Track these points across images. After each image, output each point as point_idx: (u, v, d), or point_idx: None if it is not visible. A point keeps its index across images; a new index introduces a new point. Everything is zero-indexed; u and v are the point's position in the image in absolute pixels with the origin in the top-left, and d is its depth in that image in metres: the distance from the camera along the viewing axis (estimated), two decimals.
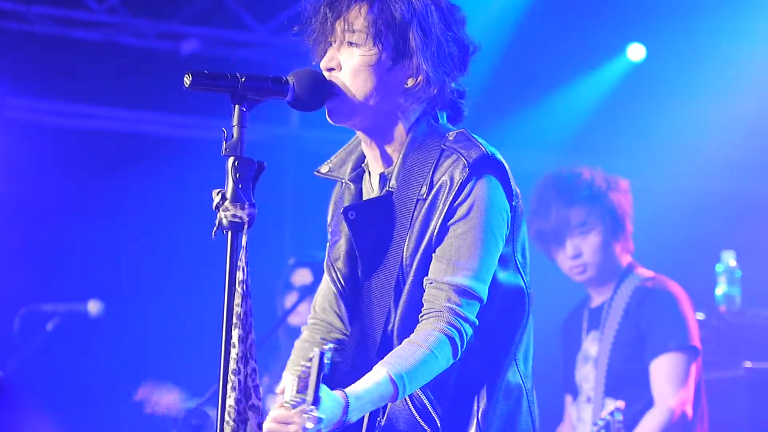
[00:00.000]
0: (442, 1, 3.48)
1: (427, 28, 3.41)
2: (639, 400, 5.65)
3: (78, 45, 8.22)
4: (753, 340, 6.65)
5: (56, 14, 8.09)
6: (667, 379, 5.60)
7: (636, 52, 8.64)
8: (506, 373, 3.47)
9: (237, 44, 8.52)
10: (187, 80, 3.15)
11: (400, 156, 3.48)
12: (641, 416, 5.62)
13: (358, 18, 3.42)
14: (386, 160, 3.54)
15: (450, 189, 3.36)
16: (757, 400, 6.36)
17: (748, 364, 6.37)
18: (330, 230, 3.66)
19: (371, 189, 3.57)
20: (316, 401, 3.03)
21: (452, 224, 3.37)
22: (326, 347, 3.06)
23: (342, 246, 3.56)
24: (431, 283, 3.36)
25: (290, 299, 7.39)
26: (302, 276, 7.48)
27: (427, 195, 3.39)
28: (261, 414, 3.07)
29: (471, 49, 3.51)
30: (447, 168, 3.39)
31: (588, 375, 5.87)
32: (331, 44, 3.47)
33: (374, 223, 3.46)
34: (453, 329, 3.31)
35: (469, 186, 3.37)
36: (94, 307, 7.11)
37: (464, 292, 3.34)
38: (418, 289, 3.39)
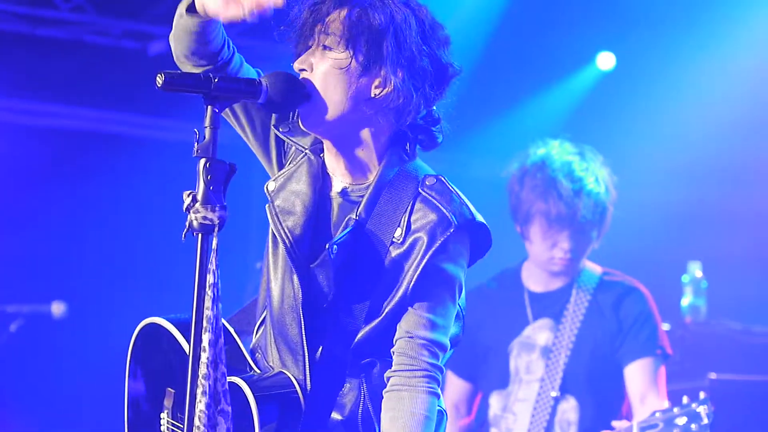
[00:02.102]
0: (427, 17, 3.47)
1: (402, 39, 3.40)
2: (597, 400, 5.50)
3: (44, 43, 8.16)
4: (718, 351, 6.68)
5: (21, 12, 8.02)
6: (653, 383, 5.43)
7: (606, 60, 8.66)
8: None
9: None
10: (159, 80, 3.11)
11: (371, 186, 3.49)
12: (597, 418, 5.44)
13: (335, 22, 3.42)
14: (353, 174, 3.53)
15: (430, 246, 3.41)
16: (721, 411, 6.35)
17: (712, 375, 6.38)
18: (276, 187, 3.61)
19: (329, 188, 3.56)
20: None
21: (431, 282, 3.44)
22: None
23: (298, 222, 3.53)
24: (411, 337, 3.44)
25: None
26: None
27: (403, 241, 3.43)
28: (230, 419, 3.05)
29: (450, 70, 3.50)
30: (426, 219, 3.43)
31: (531, 365, 5.59)
32: (309, 47, 3.47)
33: (349, 256, 3.47)
34: (437, 384, 3.48)
35: (451, 247, 3.44)
36: (57, 308, 7.07)
37: (440, 346, 3.48)
38: (383, 327, 3.47)
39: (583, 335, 5.54)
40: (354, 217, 3.48)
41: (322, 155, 3.58)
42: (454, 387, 5.81)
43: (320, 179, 3.56)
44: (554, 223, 5.50)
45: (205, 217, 3.03)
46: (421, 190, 3.45)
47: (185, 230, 3.06)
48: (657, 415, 5.07)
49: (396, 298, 3.43)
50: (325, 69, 3.42)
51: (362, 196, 3.49)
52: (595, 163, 5.66)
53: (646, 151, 8.50)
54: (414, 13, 3.45)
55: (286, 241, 3.52)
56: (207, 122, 3.11)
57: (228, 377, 3.19)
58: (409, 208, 3.44)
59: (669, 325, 6.62)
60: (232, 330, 3.69)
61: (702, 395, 5.09)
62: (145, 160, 8.33)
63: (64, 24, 8.17)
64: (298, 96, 3.36)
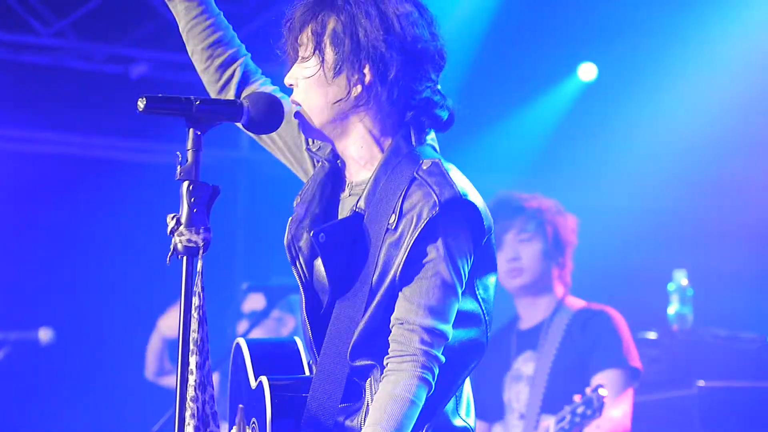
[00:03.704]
0: (390, 5, 3.47)
1: (363, 35, 3.42)
2: None
3: (25, 69, 8.16)
4: (705, 359, 6.68)
5: (2, 38, 8.02)
6: (613, 393, 5.73)
7: (587, 71, 8.68)
8: (453, 393, 3.50)
9: (186, 67, 8.45)
10: (140, 104, 3.11)
11: (372, 176, 3.49)
12: None
13: (305, 33, 3.49)
14: (359, 170, 3.55)
15: (416, 226, 3.35)
16: (709, 419, 6.38)
17: (700, 383, 6.39)
18: (298, 201, 3.63)
19: (341, 190, 3.59)
20: None
21: (421, 266, 3.37)
22: None
23: (304, 243, 3.54)
24: (401, 323, 3.36)
25: (242, 325, 7.36)
26: (255, 301, 7.45)
27: (396, 226, 3.38)
28: None
29: (429, 51, 3.49)
30: (417, 201, 3.38)
31: (519, 393, 6.00)
32: (293, 63, 3.55)
33: (343, 246, 3.45)
34: (428, 371, 3.34)
35: (440, 228, 3.36)
36: (44, 334, 7.04)
37: (434, 333, 3.35)
38: (377, 321, 3.40)
39: (559, 359, 5.94)
40: (353, 208, 3.49)
41: (339, 161, 3.61)
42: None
43: (329, 184, 3.58)
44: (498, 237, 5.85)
45: (189, 240, 3.03)
46: (415, 174, 3.41)
47: (170, 253, 3.05)
48: (565, 408, 5.58)
49: (386, 284, 3.38)
50: (303, 80, 3.48)
51: (364, 189, 3.50)
52: (533, 194, 6.24)
53: (629, 160, 8.53)
54: (375, 4, 3.46)
55: (293, 249, 3.54)
56: (189, 145, 3.10)
57: (261, 377, 3.29)
58: (404, 192, 3.40)
59: (656, 333, 6.66)
60: (301, 345, 3.68)
61: (593, 385, 5.57)
62: (129, 184, 8.33)
63: (46, 49, 8.17)
64: (279, 115, 3.37)
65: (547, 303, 6.12)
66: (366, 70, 3.44)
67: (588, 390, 5.54)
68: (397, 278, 3.37)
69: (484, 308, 3.50)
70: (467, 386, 3.56)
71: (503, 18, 8.11)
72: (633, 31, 8.17)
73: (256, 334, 6.99)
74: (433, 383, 3.36)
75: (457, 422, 3.51)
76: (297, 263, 3.55)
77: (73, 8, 7.96)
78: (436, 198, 3.35)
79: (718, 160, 8.45)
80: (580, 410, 5.53)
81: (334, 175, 3.61)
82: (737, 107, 8.17)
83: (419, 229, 3.35)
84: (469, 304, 3.48)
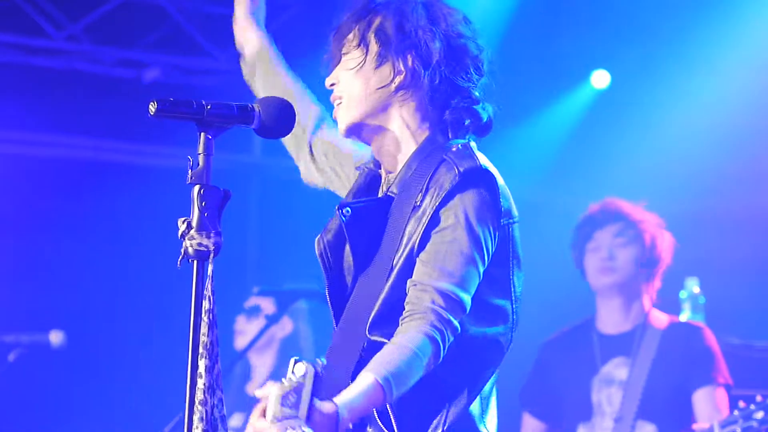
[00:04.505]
0: (435, 4, 3.58)
1: (407, 27, 3.51)
2: (671, 424, 5.93)
3: (38, 72, 8.17)
4: None
5: (15, 42, 8.04)
6: (716, 407, 5.91)
7: (600, 79, 8.67)
8: (478, 393, 3.45)
9: (198, 71, 8.50)
10: (152, 108, 3.12)
11: (405, 162, 3.54)
12: None
13: (352, 33, 3.58)
14: (396, 165, 3.59)
15: (438, 195, 3.38)
16: None
17: None
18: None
19: (377, 190, 3.64)
20: (308, 417, 3.01)
21: (438, 231, 3.38)
22: (319, 362, 3.04)
23: (335, 223, 3.57)
24: (415, 285, 3.35)
25: (240, 320, 7.39)
26: (257, 301, 7.46)
27: (421, 203, 3.42)
28: None
29: (469, 48, 3.58)
30: (440, 175, 3.42)
31: (612, 397, 6.05)
32: (336, 64, 3.63)
33: (368, 225, 3.48)
34: (436, 331, 3.29)
35: (458, 195, 3.38)
36: (56, 337, 7.04)
37: (449, 297, 3.32)
38: (396, 293, 3.38)
39: (656, 368, 6.01)
40: (388, 192, 3.54)
41: (378, 167, 3.67)
42: (532, 428, 6.32)
43: (366, 188, 3.63)
44: (587, 236, 6.24)
45: (200, 244, 3.04)
46: (444, 156, 3.46)
47: (180, 257, 3.07)
48: (735, 413, 5.59)
49: (404, 255, 3.39)
50: (345, 74, 3.57)
51: (396, 175, 3.56)
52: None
53: (642, 167, 8.50)
54: (423, 3, 3.57)
55: (319, 247, 3.57)
56: (200, 149, 3.12)
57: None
58: (431, 173, 3.44)
59: None
60: None
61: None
62: (141, 188, 8.34)
63: (58, 53, 8.19)
64: (290, 120, 3.37)
65: (636, 311, 6.19)
66: (409, 58, 3.51)
67: (759, 397, 5.59)
68: (415, 247, 3.38)
69: (515, 307, 3.50)
70: (494, 397, 3.53)
71: (515, 25, 8.10)
72: (646, 38, 8.16)
73: (264, 338, 7.02)
74: (443, 346, 3.30)
75: (488, 428, 3.49)
76: (324, 255, 3.56)
77: (86, 12, 7.98)
78: (456, 169, 3.39)
79: (732, 168, 8.43)
80: (758, 415, 5.55)
81: (373, 179, 3.66)
82: (752, 113, 8.15)
83: (440, 199, 3.38)
84: (501, 300, 3.48)
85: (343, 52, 3.59)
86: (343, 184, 3.83)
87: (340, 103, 3.58)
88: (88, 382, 8.18)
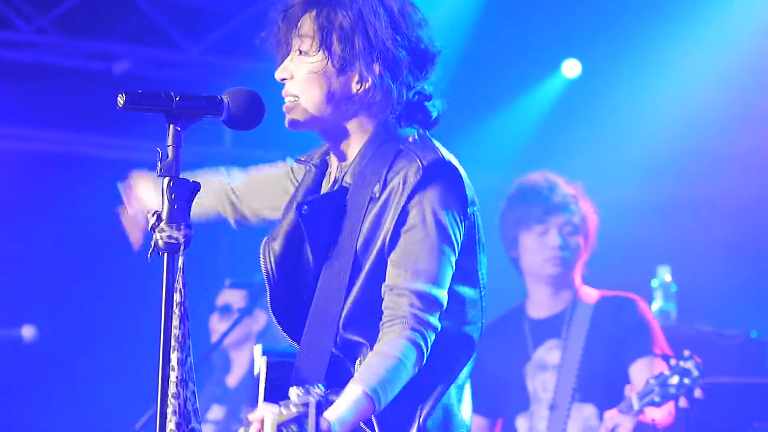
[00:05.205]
0: (396, 4, 3.49)
1: (373, 32, 3.43)
2: (610, 402, 5.73)
3: (6, 66, 8.13)
4: None
5: None
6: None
7: (571, 68, 8.69)
8: (451, 384, 3.47)
9: (169, 64, 8.47)
10: (120, 100, 3.11)
11: (357, 153, 3.50)
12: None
13: (306, 25, 3.47)
14: (350, 155, 3.55)
15: (403, 191, 3.37)
16: (693, 414, 6.38)
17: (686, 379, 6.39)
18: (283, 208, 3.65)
19: (328, 181, 3.60)
20: None
21: (407, 230, 3.37)
22: (318, 390, 3.00)
23: (283, 228, 3.54)
24: (391, 289, 3.34)
25: (214, 318, 7.39)
26: (229, 296, 7.46)
27: (380, 194, 3.40)
28: None
29: (429, 52, 3.53)
30: (401, 168, 3.40)
31: (547, 383, 5.95)
32: (287, 54, 3.52)
33: (326, 218, 3.45)
34: (418, 335, 3.30)
35: (426, 190, 3.37)
36: (27, 332, 7.03)
37: (425, 297, 3.32)
38: (368, 291, 3.38)
39: (589, 347, 5.91)
40: (342, 183, 3.49)
41: (327, 158, 3.62)
42: (474, 425, 6.02)
43: (315, 186, 3.60)
44: (536, 218, 5.99)
45: (170, 236, 3.03)
46: (402, 146, 3.45)
47: (151, 250, 3.06)
48: (651, 381, 5.47)
49: (374, 253, 3.37)
50: (302, 74, 3.47)
51: (350, 164, 3.52)
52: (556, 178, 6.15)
53: (613, 156, 8.53)
54: (382, 3, 3.48)
55: (265, 260, 3.53)
56: (170, 141, 3.11)
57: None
58: (389, 164, 3.42)
59: None
60: None
61: (686, 353, 5.47)
62: (111, 181, 8.29)
63: (28, 46, 8.14)
64: (259, 111, 3.36)
65: (568, 292, 6.07)
66: (376, 67, 3.44)
67: (673, 361, 5.48)
68: (386, 246, 3.37)
69: (482, 294, 3.51)
70: (468, 383, 3.54)
71: (486, 16, 8.11)
72: (617, 28, 8.17)
73: (236, 331, 7.01)
74: (426, 349, 3.32)
75: (464, 416, 3.50)
76: (270, 266, 3.53)
77: (55, 4, 7.94)
78: (419, 162, 3.38)
79: (702, 157, 8.46)
80: (673, 380, 5.45)
81: (321, 175, 3.62)
82: (722, 105, 8.17)
83: (405, 195, 3.36)
84: (470, 289, 3.48)
85: (296, 44, 3.49)
86: (273, 213, 3.77)
87: (295, 101, 3.48)
88: (61, 377, 8.16)
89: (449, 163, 3.43)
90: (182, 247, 3.04)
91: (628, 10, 8.14)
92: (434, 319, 3.33)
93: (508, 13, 8.18)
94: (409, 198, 3.36)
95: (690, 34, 8.06)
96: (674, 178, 8.63)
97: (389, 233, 3.36)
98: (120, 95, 3.11)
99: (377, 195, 3.40)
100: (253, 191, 3.86)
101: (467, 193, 3.45)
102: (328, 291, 3.42)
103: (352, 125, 3.52)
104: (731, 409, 6.43)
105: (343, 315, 3.38)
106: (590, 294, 6.06)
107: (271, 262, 3.52)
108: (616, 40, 8.26)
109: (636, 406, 5.48)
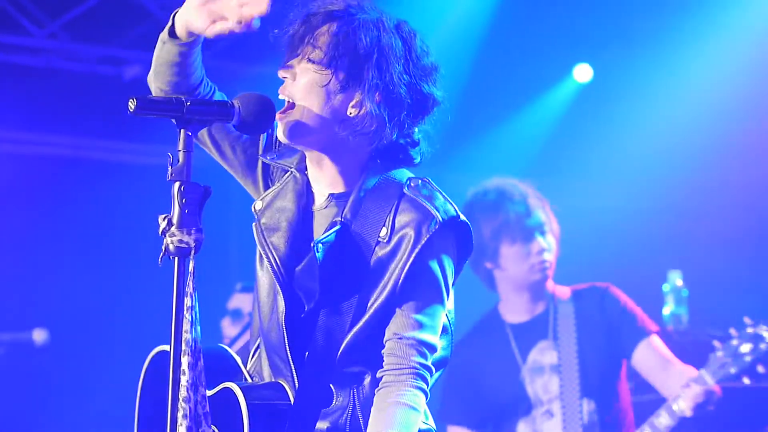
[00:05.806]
0: (415, 45, 3.53)
1: (384, 65, 3.46)
2: (611, 395, 5.86)
3: (18, 70, 8.14)
4: (700, 359, 6.67)
5: None
6: (664, 353, 5.85)
7: (583, 73, 8.68)
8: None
9: None
10: (131, 105, 3.11)
11: (355, 191, 3.53)
12: (616, 409, 5.86)
13: (324, 36, 3.48)
14: (335, 185, 3.57)
15: (416, 242, 3.44)
16: (704, 418, 6.37)
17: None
18: (263, 206, 3.65)
19: (312, 203, 3.61)
20: None
21: (419, 282, 3.46)
22: None
23: (283, 237, 3.57)
24: (400, 338, 3.45)
25: (226, 322, 7.39)
26: (241, 300, 7.46)
27: (389, 239, 3.47)
28: None
29: (430, 100, 3.55)
30: (412, 217, 3.47)
31: (547, 384, 5.95)
32: (295, 56, 3.51)
33: (334, 256, 3.50)
34: (424, 383, 3.46)
35: (437, 244, 3.46)
36: (39, 335, 7.03)
37: (428, 346, 3.48)
38: (370, 330, 3.47)
39: (583, 343, 5.92)
40: (339, 219, 3.51)
41: (306, 173, 3.62)
42: None
43: (304, 195, 3.61)
44: (518, 228, 5.95)
45: (181, 240, 3.03)
46: (405, 191, 3.51)
47: (161, 254, 3.06)
48: (719, 353, 5.48)
49: (383, 297, 3.45)
50: (305, 82, 3.48)
51: (346, 201, 3.53)
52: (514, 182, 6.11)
53: (624, 161, 8.53)
54: (402, 40, 3.51)
55: (271, 256, 3.56)
56: (180, 146, 3.11)
57: (224, 383, 3.33)
58: (394, 208, 3.48)
59: None
60: (233, 353, 3.71)
61: (747, 319, 5.50)
62: (122, 185, 8.32)
63: (39, 51, 8.15)
64: (271, 115, 3.36)
65: (544, 294, 6.05)
66: (377, 97, 3.46)
67: (733, 331, 5.46)
68: (396, 292, 3.45)
69: (450, 319, 3.63)
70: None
71: (499, 21, 8.11)
72: (628, 33, 8.18)
73: (247, 335, 7.01)
74: (429, 390, 3.49)
75: (430, 422, 3.62)
76: (274, 266, 3.55)
77: (66, 10, 7.94)
78: (437, 216, 3.46)
79: (713, 161, 8.46)
80: (745, 348, 5.44)
81: (307, 187, 3.63)
82: (732, 108, 8.17)
83: (419, 246, 3.44)
84: (445, 320, 3.61)
85: (308, 51, 3.49)
86: (231, 162, 3.71)
87: (291, 105, 3.49)
88: (72, 380, 8.17)
89: (463, 222, 3.53)
90: (193, 252, 3.04)
91: (640, 15, 8.14)
92: (432, 361, 3.51)
93: (519, 18, 8.18)
94: (423, 249, 3.44)
95: (701, 39, 8.06)
96: (686, 182, 8.63)
97: (400, 281, 3.45)
98: (131, 100, 3.12)
99: (385, 240, 3.47)
100: (234, 135, 3.71)
101: (472, 245, 3.57)
102: (330, 330, 3.50)
103: (341, 149, 3.53)
104: (743, 413, 6.43)
105: (340, 353, 3.48)
106: (564, 291, 6.07)
107: (280, 270, 3.57)
108: (628, 44, 8.27)
109: (711, 382, 5.51)
